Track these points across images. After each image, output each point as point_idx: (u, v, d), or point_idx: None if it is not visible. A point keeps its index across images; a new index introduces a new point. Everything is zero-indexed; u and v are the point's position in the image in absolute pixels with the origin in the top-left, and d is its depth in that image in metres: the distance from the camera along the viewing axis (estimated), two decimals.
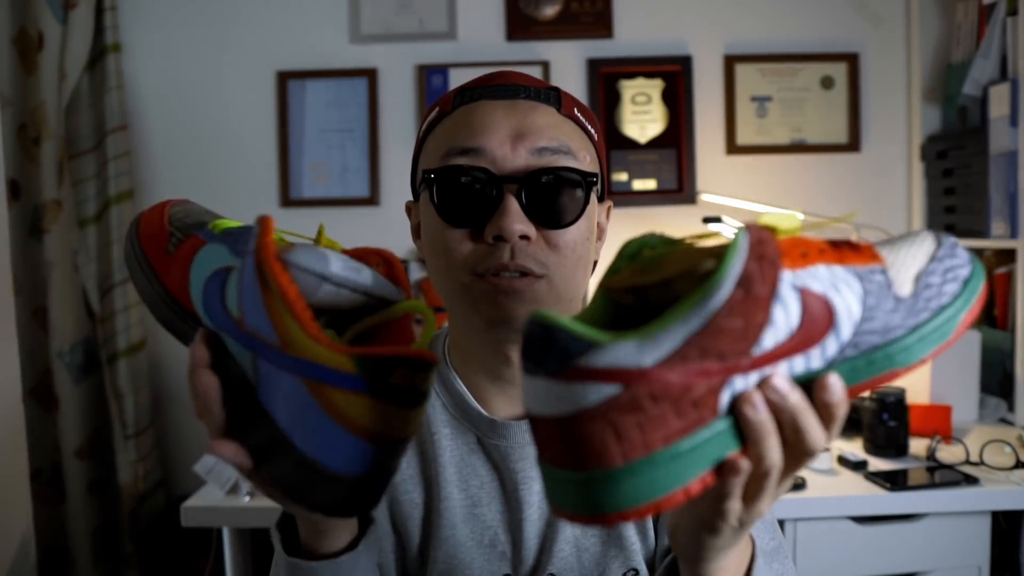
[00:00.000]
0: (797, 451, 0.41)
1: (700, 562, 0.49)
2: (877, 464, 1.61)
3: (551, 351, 0.36)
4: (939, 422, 1.75)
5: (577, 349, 0.35)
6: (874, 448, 1.66)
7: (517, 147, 0.66)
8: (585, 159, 0.69)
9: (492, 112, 0.68)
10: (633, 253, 0.44)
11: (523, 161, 0.66)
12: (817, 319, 0.39)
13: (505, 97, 0.69)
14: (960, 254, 0.44)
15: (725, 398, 0.38)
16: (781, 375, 0.39)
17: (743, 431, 0.39)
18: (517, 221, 0.64)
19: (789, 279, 0.38)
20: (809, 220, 0.37)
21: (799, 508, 1.46)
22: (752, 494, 0.42)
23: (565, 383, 0.36)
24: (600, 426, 0.36)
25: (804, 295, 0.38)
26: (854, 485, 1.51)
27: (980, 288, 0.43)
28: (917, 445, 1.70)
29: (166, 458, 2.23)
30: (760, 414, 0.39)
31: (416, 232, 0.77)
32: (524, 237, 0.65)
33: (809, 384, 0.40)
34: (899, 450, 1.64)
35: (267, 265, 0.42)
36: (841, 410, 0.40)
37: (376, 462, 0.42)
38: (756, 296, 0.36)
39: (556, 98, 0.71)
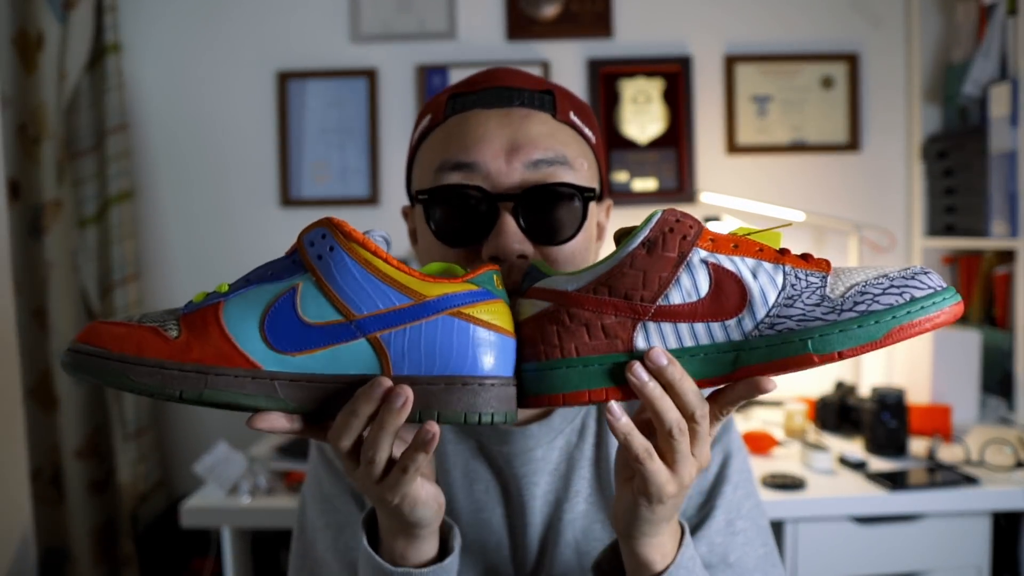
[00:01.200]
0: (685, 413, 0.50)
1: (638, 536, 0.56)
2: (877, 464, 1.61)
3: (526, 279, 0.54)
4: (939, 422, 1.75)
5: (536, 278, 0.54)
6: (874, 448, 1.67)
7: (512, 161, 0.64)
8: (583, 167, 0.68)
9: (485, 123, 0.65)
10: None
11: (518, 176, 0.64)
12: (728, 293, 0.49)
13: (498, 105, 0.67)
14: (922, 281, 0.49)
15: (639, 339, 0.50)
16: (659, 349, 0.49)
17: (626, 378, 0.50)
18: (515, 240, 0.62)
19: (702, 255, 0.49)
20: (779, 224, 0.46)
21: (799, 508, 1.46)
22: (670, 456, 0.51)
23: (526, 299, 0.53)
24: (534, 328, 0.52)
25: (714, 269, 0.49)
26: (854, 485, 1.51)
27: (932, 310, 0.47)
28: (917, 445, 1.70)
29: (166, 458, 2.23)
30: (640, 378, 0.49)
31: (413, 237, 0.76)
32: (522, 256, 0.63)
33: (734, 356, 0.49)
34: (899, 450, 1.65)
35: (369, 246, 0.50)
36: (668, 373, 0.49)
37: (513, 359, 0.53)
38: (659, 256, 0.49)
39: (551, 103, 0.68)
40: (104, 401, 2.13)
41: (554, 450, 0.73)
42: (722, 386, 0.52)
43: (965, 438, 1.72)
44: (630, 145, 2.20)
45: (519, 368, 0.53)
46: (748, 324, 0.49)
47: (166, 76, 2.19)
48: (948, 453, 1.65)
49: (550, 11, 2.18)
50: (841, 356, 0.47)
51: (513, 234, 0.62)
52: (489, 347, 0.51)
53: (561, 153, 0.66)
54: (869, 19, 2.22)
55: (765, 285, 0.49)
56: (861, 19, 2.22)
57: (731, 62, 2.20)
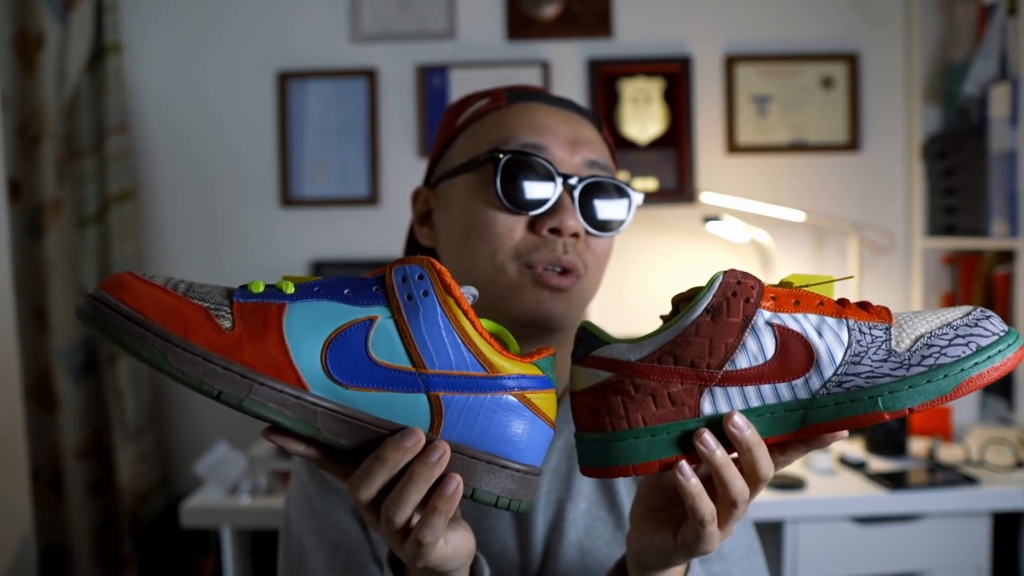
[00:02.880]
0: (752, 479, 0.49)
1: (660, 571, 0.56)
2: (877, 464, 1.61)
3: (580, 345, 0.52)
4: (939, 422, 1.76)
5: (593, 345, 0.51)
6: (874, 448, 1.67)
7: (575, 154, 0.70)
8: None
9: (553, 116, 0.71)
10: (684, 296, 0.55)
11: (577, 168, 0.70)
12: (795, 353, 0.48)
13: (559, 106, 0.73)
14: (985, 327, 0.49)
15: (706, 404, 0.49)
16: (738, 415, 0.48)
17: (695, 447, 0.48)
18: (573, 218, 0.67)
19: (766, 316, 0.48)
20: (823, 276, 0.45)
21: (799, 508, 1.46)
22: (724, 518, 0.51)
23: (584, 367, 0.51)
24: (597, 399, 0.50)
25: (779, 330, 0.48)
26: (854, 485, 1.51)
27: (998, 359, 0.48)
28: (917, 445, 1.70)
29: (166, 458, 2.23)
30: (708, 447, 0.48)
31: (422, 219, 0.77)
32: (575, 235, 0.68)
33: (802, 415, 0.49)
34: (899, 450, 1.65)
35: (463, 304, 0.49)
36: (747, 438, 0.48)
37: (545, 451, 0.52)
38: (724, 322, 0.48)
39: (598, 121, 0.76)
40: (104, 401, 2.13)
41: (554, 451, 0.73)
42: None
43: (965, 438, 1.72)
44: (630, 145, 2.20)
45: (578, 437, 0.52)
46: (816, 383, 0.48)
47: (166, 76, 2.19)
48: (948, 453, 1.65)
49: (550, 11, 2.18)
50: (911, 412, 0.47)
51: (573, 212, 0.68)
52: (536, 436, 0.50)
53: (608, 163, 0.73)
54: (869, 19, 2.22)
55: (831, 343, 0.48)
56: (861, 19, 2.22)
57: (731, 62, 2.20)
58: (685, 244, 2.22)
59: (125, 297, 0.45)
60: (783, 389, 0.48)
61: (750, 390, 0.48)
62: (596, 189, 0.70)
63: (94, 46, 2.07)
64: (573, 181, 0.68)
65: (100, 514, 2.12)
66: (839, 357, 0.48)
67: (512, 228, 0.68)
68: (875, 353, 0.48)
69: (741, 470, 0.49)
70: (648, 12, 2.20)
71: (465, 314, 0.49)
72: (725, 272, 0.49)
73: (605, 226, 0.71)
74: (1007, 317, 1.91)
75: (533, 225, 0.68)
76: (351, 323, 0.47)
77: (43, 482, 2.06)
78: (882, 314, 0.50)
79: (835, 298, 0.51)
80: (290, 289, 0.48)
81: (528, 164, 0.67)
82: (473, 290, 0.52)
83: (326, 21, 2.19)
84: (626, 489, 0.74)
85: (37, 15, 2.00)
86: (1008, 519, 1.57)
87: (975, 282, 2.07)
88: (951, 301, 2.18)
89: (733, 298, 0.48)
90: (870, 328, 0.49)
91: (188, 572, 1.91)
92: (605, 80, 2.19)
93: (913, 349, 0.48)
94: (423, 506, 0.48)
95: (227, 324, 0.46)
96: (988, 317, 0.50)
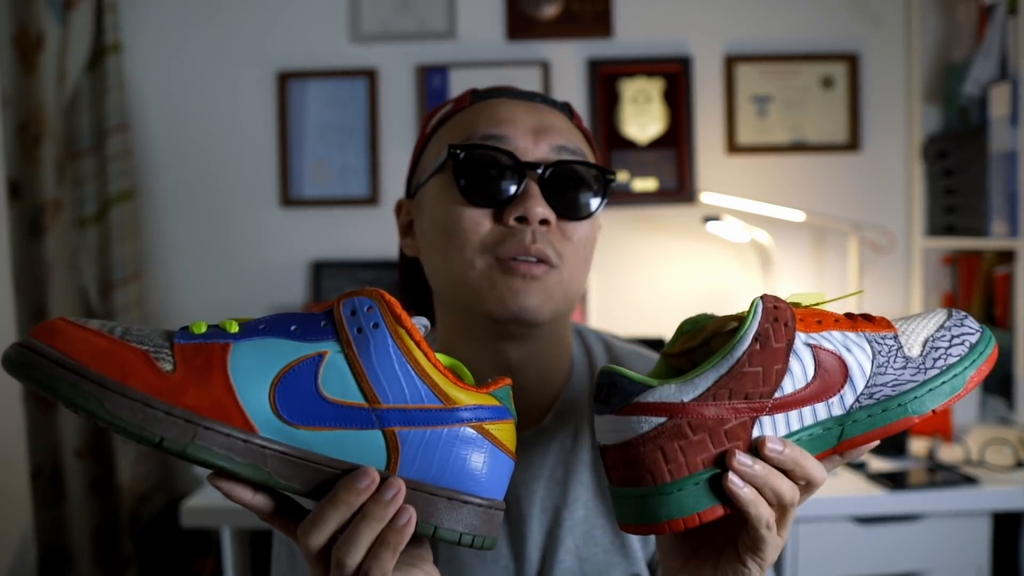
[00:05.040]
0: (805, 488, 0.51)
1: None
2: (877, 464, 1.61)
3: (615, 393, 0.49)
4: (939, 422, 1.76)
5: (634, 390, 0.48)
6: (874, 448, 1.66)
7: (539, 142, 0.68)
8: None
9: (514, 108, 0.69)
10: (691, 323, 0.55)
11: (544, 155, 0.67)
12: (831, 371, 0.49)
13: (523, 99, 0.71)
14: (969, 325, 0.53)
15: (756, 433, 0.48)
16: (771, 436, 0.48)
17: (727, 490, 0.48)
18: (540, 205, 0.65)
19: (803, 338, 0.49)
20: (828, 296, 0.48)
21: (799, 508, 1.46)
22: (780, 523, 0.51)
23: (626, 416, 0.48)
24: (652, 448, 0.47)
25: (817, 351, 0.49)
26: (854, 485, 1.51)
27: (988, 352, 0.52)
28: (917, 445, 1.70)
29: (166, 458, 2.23)
30: (747, 466, 0.48)
31: (405, 230, 0.76)
32: (544, 222, 0.65)
33: (839, 431, 0.50)
34: (899, 450, 1.65)
35: (415, 336, 0.47)
36: (788, 455, 0.49)
37: (507, 484, 0.51)
38: (771, 349, 0.48)
39: (568, 109, 0.73)
40: None
41: (549, 455, 0.72)
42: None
43: (965, 438, 1.72)
44: (630, 145, 2.20)
45: (624, 494, 0.50)
46: (849, 398, 0.49)
47: (166, 76, 2.19)
48: (948, 453, 1.65)
49: (550, 11, 2.18)
50: (934, 412, 0.50)
51: (539, 199, 0.65)
52: (497, 468, 0.49)
53: (580, 148, 0.70)
54: (869, 19, 2.22)
55: (860, 357, 0.50)
56: (861, 19, 2.22)
57: (731, 62, 2.20)
58: (685, 244, 2.22)
59: (56, 343, 0.42)
60: (820, 409, 0.49)
61: (793, 415, 0.49)
62: (565, 174, 0.67)
63: (94, 46, 2.07)
64: (538, 168, 0.66)
65: (100, 514, 2.12)
66: (868, 370, 0.49)
67: (478, 222, 0.66)
68: (895, 362, 0.50)
69: (794, 482, 0.50)
70: (648, 12, 2.20)
71: (418, 345, 0.47)
72: (762, 298, 0.49)
73: (578, 211, 0.68)
74: (1007, 317, 1.91)
75: (500, 217, 0.66)
76: (299, 360, 0.45)
77: (43, 482, 2.06)
78: (885, 324, 0.52)
79: (839, 313, 0.53)
80: (234, 328, 0.46)
81: (487, 156, 0.66)
82: (425, 321, 0.50)
83: (326, 21, 2.19)
84: None
85: (37, 15, 2.00)
86: (1008, 519, 1.57)
87: (975, 282, 2.07)
88: (951, 301, 2.18)
89: (775, 323, 0.48)
90: (883, 339, 0.51)
91: (188, 572, 1.91)
92: (605, 80, 2.19)
93: (924, 354, 0.51)
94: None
95: (168, 367, 0.43)
96: (965, 317, 0.54)
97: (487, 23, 2.19)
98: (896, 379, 0.50)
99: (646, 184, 2.19)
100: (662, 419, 0.47)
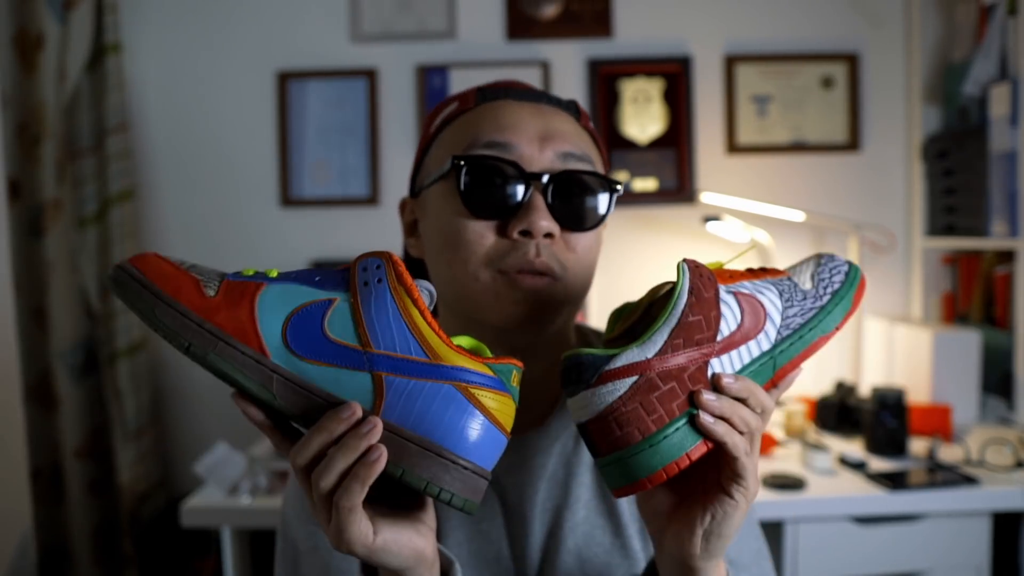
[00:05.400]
0: (761, 413, 0.55)
1: (716, 555, 0.56)
2: (877, 464, 1.61)
3: (585, 369, 0.53)
4: (939, 422, 1.76)
5: (602, 362, 0.52)
6: (874, 448, 1.67)
7: (544, 148, 0.67)
8: (600, 172, 0.71)
9: (519, 111, 0.68)
10: (616, 316, 0.62)
11: (549, 163, 0.66)
12: (754, 311, 0.56)
13: (529, 99, 0.70)
14: (838, 259, 0.62)
15: (710, 376, 0.54)
16: (720, 374, 0.54)
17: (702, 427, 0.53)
18: (544, 218, 0.64)
19: (724, 288, 0.56)
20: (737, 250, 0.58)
21: (799, 508, 1.46)
22: (751, 448, 0.54)
23: (601, 386, 0.52)
24: (633, 406, 0.51)
25: (738, 296, 0.56)
26: (854, 485, 1.51)
27: (859, 275, 0.61)
28: (917, 445, 1.70)
29: (166, 458, 2.23)
30: (712, 400, 0.52)
31: (410, 229, 0.76)
32: (548, 235, 0.65)
33: (772, 362, 0.57)
34: (899, 450, 1.65)
35: (413, 293, 0.52)
36: (740, 386, 0.54)
37: (497, 459, 0.54)
38: (704, 299, 0.54)
39: (575, 109, 0.72)
40: (104, 401, 2.13)
41: (551, 457, 0.72)
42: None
43: (965, 438, 1.72)
44: (630, 145, 2.20)
45: (615, 459, 0.52)
46: (772, 333, 0.56)
47: (166, 76, 2.19)
48: (948, 453, 1.65)
49: (550, 11, 2.18)
50: (837, 328, 0.58)
51: (544, 212, 0.64)
52: (480, 433, 0.51)
53: (587, 152, 0.69)
54: (869, 19, 2.22)
55: (771, 297, 0.57)
56: (861, 19, 2.22)
57: (731, 62, 2.20)
58: (685, 244, 2.22)
59: (139, 265, 0.53)
60: (752, 346, 0.56)
61: (734, 354, 0.55)
62: (570, 183, 0.66)
63: (94, 46, 2.07)
64: (543, 179, 0.65)
65: (100, 514, 2.12)
66: (779, 306, 0.57)
67: (482, 235, 0.65)
68: (796, 296, 0.58)
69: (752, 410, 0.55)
70: (648, 12, 2.20)
71: (415, 303, 0.52)
72: (684, 261, 0.56)
73: (583, 222, 0.67)
74: (1007, 317, 1.91)
75: (504, 229, 0.65)
76: (312, 302, 0.52)
77: (43, 482, 2.06)
78: (779, 272, 0.61)
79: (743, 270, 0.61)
80: (273, 274, 0.54)
81: (491, 167, 0.65)
82: (429, 286, 0.55)
83: (326, 21, 2.19)
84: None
85: (37, 15, 2.00)
86: (1008, 519, 1.57)
87: (975, 282, 2.07)
88: (951, 301, 2.18)
89: (700, 278, 0.55)
90: (781, 281, 0.59)
91: (188, 572, 1.91)
92: (605, 80, 2.19)
93: (815, 285, 0.60)
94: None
95: (211, 293, 0.52)
96: (833, 255, 0.63)
97: (487, 23, 2.19)
98: (801, 309, 0.58)
99: (646, 184, 2.19)
100: (634, 378, 0.52)
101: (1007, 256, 1.93)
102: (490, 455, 0.52)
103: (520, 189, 0.65)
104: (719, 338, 0.54)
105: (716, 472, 0.55)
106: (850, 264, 0.62)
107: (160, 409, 2.22)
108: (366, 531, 0.50)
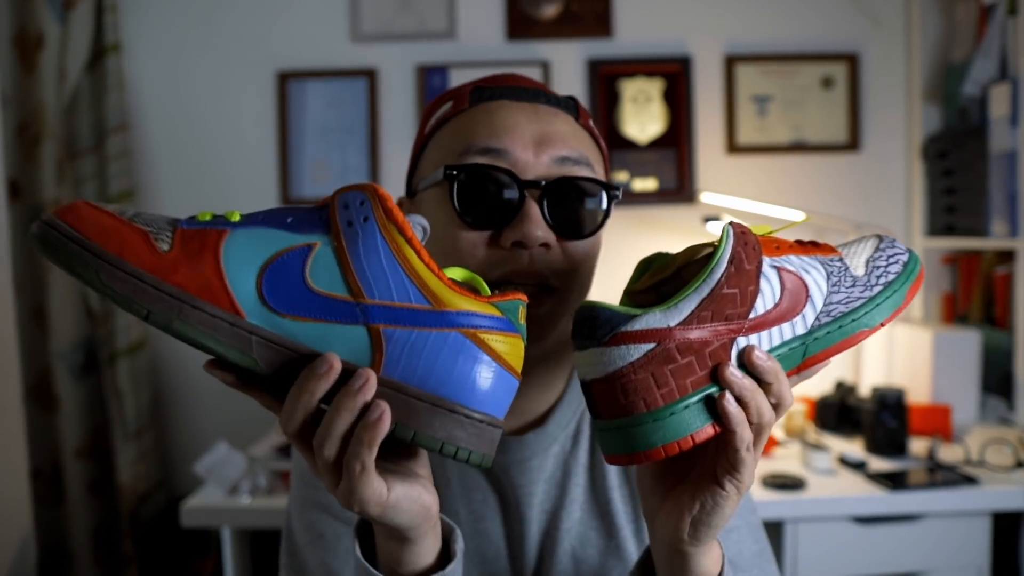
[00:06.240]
0: (777, 407, 0.51)
1: (705, 540, 0.53)
2: (877, 464, 1.61)
3: (599, 325, 0.48)
4: (939, 422, 1.76)
5: (619, 321, 0.48)
6: (874, 448, 1.67)
7: (540, 153, 0.65)
8: (600, 173, 0.69)
9: (515, 114, 0.66)
10: (645, 265, 0.56)
11: (544, 169, 0.65)
12: (795, 291, 0.51)
13: (525, 99, 0.68)
14: (899, 246, 0.57)
15: (734, 354, 0.49)
16: (758, 347, 0.49)
17: (738, 401, 0.49)
18: (539, 227, 0.62)
19: (768, 261, 0.51)
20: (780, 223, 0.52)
21: (799, 508, 1.46)
22: (757, 444, 0.51)
23: (614, 347, 0.48)
24: (643, 375, 0.47)
25: (782, 272, 0.51)
26: (854, 485, 1.51)
27: (918, 270, 0.55)
28: (917, 445, 1.70)
29: (166, 458, 2.23)
30: (737, 378, 0.48)
31: None
32: (543, 245, 0.63)
33: (803, 349, 0.52)
34: (899, 450, 1.65)
35: (406, 232, 0.46)
36: (774, 372, 0.50)
37: (510, 403, 0.49)
38: (744, 271, 0.49)
39: (574, 107, 0.70)
40: (104, 401, 2.13)
41: (550, 457, 0.72)
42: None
43: (965, 438, 1.72)
44: (630, 145, 2.20)
45: (617, 425, 0.49)
46: (810, 316, 0.52)
47: (166, 76, 2.19)
48: (948, 453, 1.65)
49: (550, 11, 2.18)
50: (882, 324, 0.53)
51: (538, 221, 0.62)
52: (492, 381, 0.47)
53: (584, 155, 0.67)
54: (869, 19, 2.22)
55: (816, 278, 0.52)
56: (861, 19, 2.22)
57: (731, 62, 2.20)
58: (685, 244, 2.21)
59: (70, 220, 0.44)
60: (786, 328, 0.51)
61: (764, 335, 0.50)
62: (567, 189, 0.64)
63: (94, 46, 2.07)
64: (538, 186, 0.63)
65: (100, 514, 2.12)
66: (824, 289, 0.52)
67: (475, 244, 0.63)
68: (845, 281, 0.53)
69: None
70: (648, 12, 2.20)
71: (409, 242, 0.46)
72: (731, 223, 0.51)
73: (580, 229, 0.65)
74: (1007, 317, 1.91)
75: (498, 239, 0.63)
76: (288, 248, 0.45)
77: (43, 482, 2.06)
78: (831, 249, 0.55)
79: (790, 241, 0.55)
80: (236, 218, 0.47)
81: (484, 176, 0.63)
82: (422, 220, 0.49)
83: (326, 21, 2.19)
84: (620, 496, 0.72)
85: (37, 15, 2.00)
86: (1008, 519, 1.57)
87: (975, 282, 2.07)
88: (951, 301, 2.18)
89: (745, 247, 0.50)
90: (832, 261, 0.54)
91: (188, 572, 1.91)
92: (605, 80, 2.19)
93: (868, 272, 0.54)
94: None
95: (164, 247, 0.44)
96: (894, 240, 0.58)
97: (487, 23, 2.19)
98: (848, 296, 0.52)
99: (646, 184, 2.19)
100: (651, 345, 0.47)
101: (1007, 256, 1.93)
102: (503, 402, 0.48)
103: (514, 198, 0.63)
104: (752, 315, 0.49)
105: (710, 459, 0.52)
106: (910, 253, 0.57)
107: (160, 409, 2.22)
108: (380, 490, 0.47)
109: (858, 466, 1.58)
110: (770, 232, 0.54)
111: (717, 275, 0.48)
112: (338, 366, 0.45)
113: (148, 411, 2.13)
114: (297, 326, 0.45)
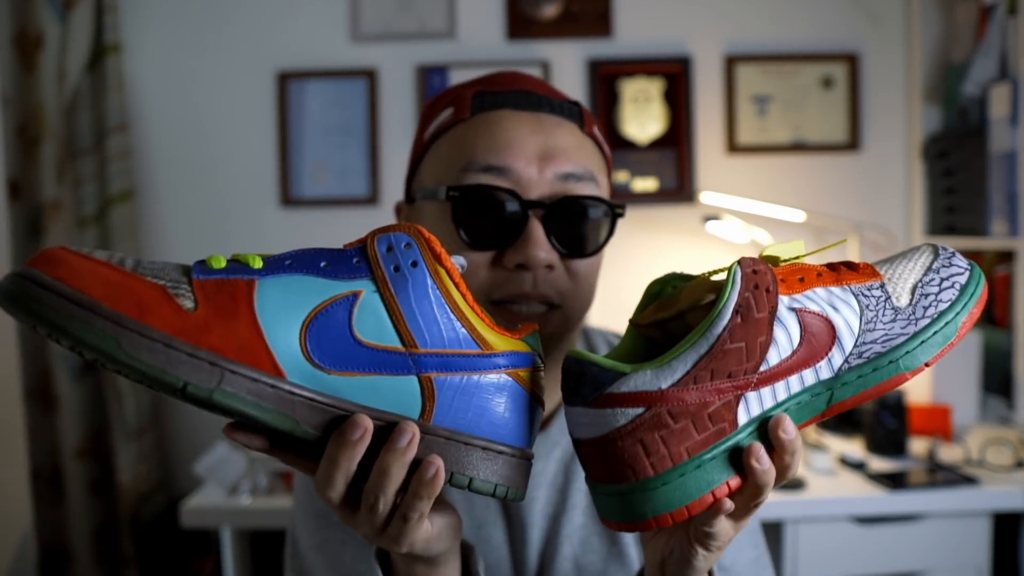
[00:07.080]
0: (782, 479, 0.46)
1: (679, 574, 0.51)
2: (877, 464, 1.61)
3: (584, 383, 0.44)
4: (939, 422, 1.75)
5: (605, 380, 0.43)
6: (874, 448, 1.67)
7: (544, 170, 0.63)
8: (603, 183, 0.68)
9: (518, 127, 0.64)
10: (656, 292, 0.51)
11: (548, 186, 0.63)
12: (818, 335, 0.44)
13: (528, 108, 0.66)
14: (957, 263, 0.48)
15: (741, 413, 0.44)
16: (788, 419, 0.44)
17: (748, 467, 0.44)
18: (542, 249, 0.61)
19: (787, 302, 0.44)
20: (809, 244, 0.42)
21: (799, 508, 1.46)
22: (742, 514, 0.47)
23: (599, 409, 0.43)
24: (631, 442, 0.43)
25: (802, 315, 0.44)
26: (854, 485, 1.51)
27: (979, 292, 0.47)
28: (917, 445, 1.70)
29: (166, 458, 2.23)
30: (763, 465, 0.44)
31: None
32: (548, 266, 0.62)
33: (828, 396, 0.46)
34: (899, 450, 1.65)
35: (454, 275, 0.44)
36: (796, 444, 0.45)
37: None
38: (754, 320, 0.43)
39: (579, 115, 0.68)
40: (104, 401, 2.13)
41: (552, 462, 0.72)
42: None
43: (965, 438, 1.72)
44: (630, 145, 2.20)
45: (605, 491, 0.45)
46: (838, 360, 0.45)
47: (166, 76, 2.19)
48: (948, 453, 1.65)
49: (550, 11, 2.18)
50: (927, 365, 0.46)
51: (541, 242, 0.61)
52: (532, 417, 0.46)
53: (588, 168, 0.65)
54: (869, 19, 2.22)
55: (847, 315, 0.45)
56: (861, 19, 2.22)
57: (731, 62, 2.20)
58: (685, 244, 2.22)
59: (61, 274, 0.37)
60: (808, 375, 0.44)
61: (780, 386, 0.44)
62: (571, 210, 0.63)
63: (94, 46, 2.07)
64: (541, 207, 0.62)
65: (100, 514, 2.12)
66: (856, 328, 0.45)
67: (477, 265, 0.62)
68: (884, 315, 0.45)
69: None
70: (648, 12, 2.20)
71: (456, 286, 0.44)
72: (739, 263, 0.44)
73: (584, 248, 0.64)
74: (1007, 317, 1.91)
75: (501, 259, 0.62)
76: (332, 299, 0.41)
77: (43, 482, 2.06)
78: (870, 272, 0.47)
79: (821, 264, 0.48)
80: (257, 263, 0.42)
81: (486, 197, 0.62)
82: (462, 260, 0.47)
83: (326, 21, 2.19)
84: None
85: (37, 15, 2.00)
86: (1008, 519, 1.57)
87: None
88: None
89: (756, 291, 0.43)
90: (869, 289, 0.46)
91: (188, 572, 1.91)
92: (605, 80, 2.19)
93: (914, 302, 0.46)
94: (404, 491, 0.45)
95: (188, 304, 0.39)
96: (953, 254, 0.49)
97: (487, 23, 2.19)
98: (886, 334, 0.45)
99: (646, 184, 2.19)
100: (639, 410, 0.42)
101: (1007, 256, 1.93)
102: (534, 432, 0.48)
103: (517, 219, 0.62)
104: (762, 369, 0.43)
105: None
106: (971, 271, 0.48)
107: (160, 409, 2.22)
108: (427, 527, 0.47)
109: (858, 466, 1.58)
110: (797, 258, 0.47)
111: (718, 329, 0.42)
112: (371, 428, 0.42)
113: (148, 411, 2.13)
114: (343, 381, 0.41)
